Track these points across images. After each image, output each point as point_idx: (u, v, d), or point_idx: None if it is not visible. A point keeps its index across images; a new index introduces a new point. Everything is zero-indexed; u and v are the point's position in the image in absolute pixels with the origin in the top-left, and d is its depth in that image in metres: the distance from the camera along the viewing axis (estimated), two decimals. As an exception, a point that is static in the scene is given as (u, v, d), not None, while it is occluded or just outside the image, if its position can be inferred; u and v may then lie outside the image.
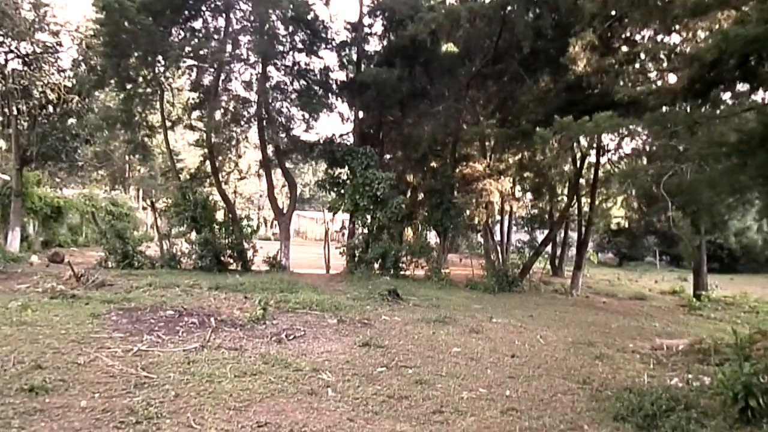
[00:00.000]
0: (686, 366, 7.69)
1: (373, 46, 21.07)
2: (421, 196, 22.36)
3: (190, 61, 17.83)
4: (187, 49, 15.85)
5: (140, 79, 17.53)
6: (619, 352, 8.93)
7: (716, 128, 9.59)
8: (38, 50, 18.96)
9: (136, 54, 15.89)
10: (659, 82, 14.95)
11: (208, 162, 18.74)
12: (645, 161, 16.51)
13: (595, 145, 19.86)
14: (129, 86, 16.94)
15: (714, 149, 8.88)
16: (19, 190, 18.98)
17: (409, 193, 22.63)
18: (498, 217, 24.54)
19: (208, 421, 4.66)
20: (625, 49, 15.62)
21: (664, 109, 10.28)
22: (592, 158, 21.86)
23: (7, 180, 20.58)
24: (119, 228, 17.01)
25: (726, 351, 7.79)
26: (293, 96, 19.04)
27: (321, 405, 5.28)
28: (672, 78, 12.58)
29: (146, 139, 18.18)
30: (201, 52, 16.19)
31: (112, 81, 16.71)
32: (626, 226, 29.90)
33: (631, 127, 11.77)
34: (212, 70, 17.73)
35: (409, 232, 24.49)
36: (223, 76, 18.77)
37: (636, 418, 5.26)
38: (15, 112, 18.72)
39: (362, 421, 4.96)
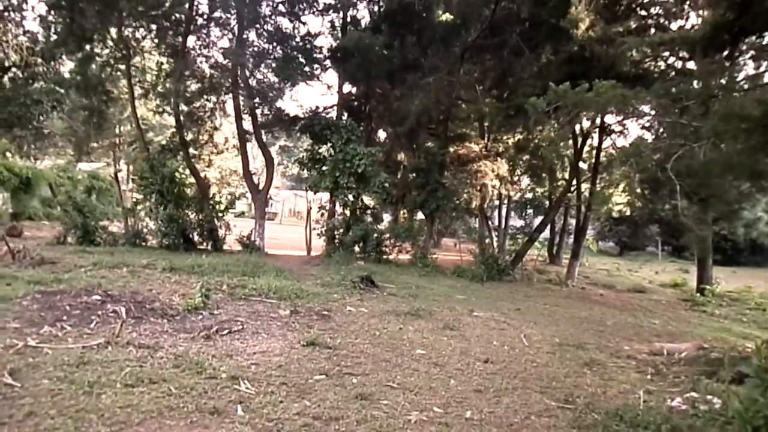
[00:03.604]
0: (690, 379, 6.45)
1: (362, 11, 19.63)
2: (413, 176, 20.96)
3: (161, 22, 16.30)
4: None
5: (103, 39, 15.98)
6: (612, 357, 7.71)
7: (735, 101, 8.25)
8: (0, 7, 17.51)
9: (93, 9, 14.31)
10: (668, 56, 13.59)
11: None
12: (650, 141, 15.13)
13: (597, 125, 18.57)
14: (87, 47, 15.37)
15: (733, 125, 7.56)
16: (-23, 159, 17.70)
17: (399, 173, 21.23)
18: (496, 202, 23.29)
19: (44, 457, 3.45)
20: (632, 24, 14.28)
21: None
22: (595, 142, 20.56)
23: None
24: (78, 201, 15.72)
25: (738, 361, 6.53)
26: (273, 64, 17.54)
27: (219, 430, 4.06)
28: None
29: (104, 106, 16.62)
30: (169, 9, 14.59)
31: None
32: (628, 213, 28.56)
33: (634, 102, 10.37)
34: (180, 29, 16.16)
35: (405, 215, 23.20)
36: (198, 41, 17.36)
37: (627, 458, 4.06)
38: (-26, 74, 17.36)
39: (264, 457, 3.75)
